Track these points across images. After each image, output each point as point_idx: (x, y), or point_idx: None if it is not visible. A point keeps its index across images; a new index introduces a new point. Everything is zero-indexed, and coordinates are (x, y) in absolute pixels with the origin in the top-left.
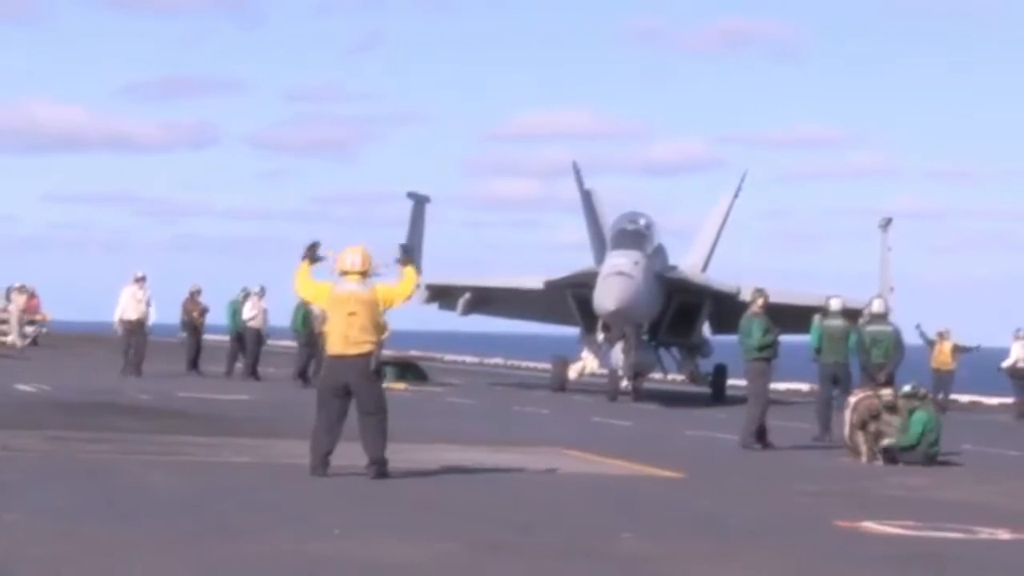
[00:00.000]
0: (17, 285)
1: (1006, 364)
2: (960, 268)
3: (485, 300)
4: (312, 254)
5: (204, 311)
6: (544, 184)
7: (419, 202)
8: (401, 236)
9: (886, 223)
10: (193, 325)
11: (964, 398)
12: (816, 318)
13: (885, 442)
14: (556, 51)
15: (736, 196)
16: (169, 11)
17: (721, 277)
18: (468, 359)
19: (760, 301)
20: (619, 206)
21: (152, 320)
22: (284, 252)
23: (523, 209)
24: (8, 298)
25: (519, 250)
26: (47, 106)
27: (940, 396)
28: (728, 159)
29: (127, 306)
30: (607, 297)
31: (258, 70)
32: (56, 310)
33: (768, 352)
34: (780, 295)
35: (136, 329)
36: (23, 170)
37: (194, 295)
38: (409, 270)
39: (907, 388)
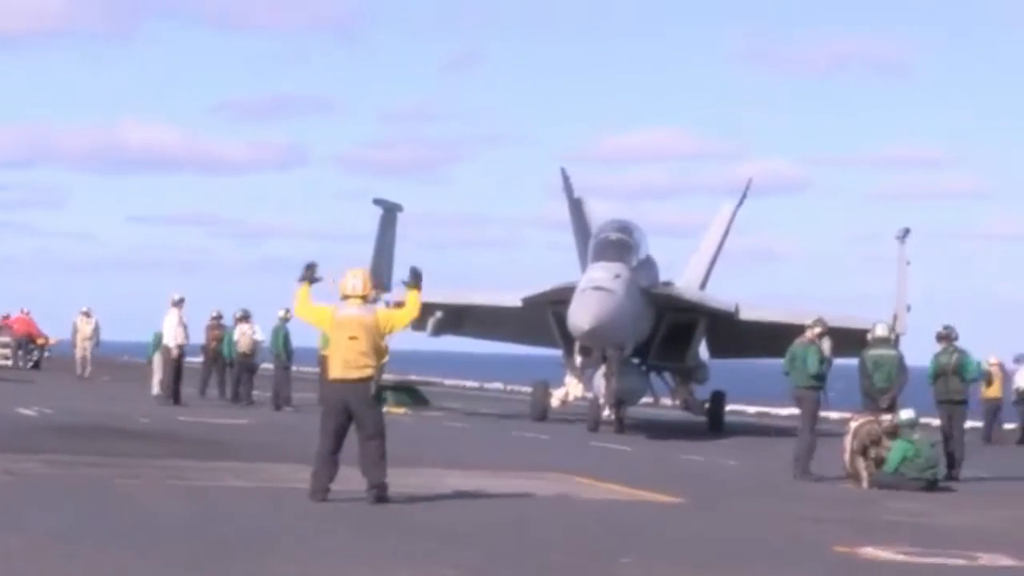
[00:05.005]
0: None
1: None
2: None
3: (458, 319)
4: (310, 275)
5: (223, 337)
6: (630, 207)
7: (389, 210)
8: (495, 257)
9: (903, 234)
10: (211, 350)
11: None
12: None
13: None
14: (656, 72)
15: (739, 206)
16: (269, 30)
17: (818, 306)
18: (468, 383)
19: (818, 329)
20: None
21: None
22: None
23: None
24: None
25: None
26: (138, 126)
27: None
28: (817, 180)
29: (177, 331)
30: (582, 314)
31: (351, 89)
32: (121, 331)
33: (820, 382)
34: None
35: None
36: (109, 190)
37: (216, 320)
38: (413, 295)
39: (904, 416)
